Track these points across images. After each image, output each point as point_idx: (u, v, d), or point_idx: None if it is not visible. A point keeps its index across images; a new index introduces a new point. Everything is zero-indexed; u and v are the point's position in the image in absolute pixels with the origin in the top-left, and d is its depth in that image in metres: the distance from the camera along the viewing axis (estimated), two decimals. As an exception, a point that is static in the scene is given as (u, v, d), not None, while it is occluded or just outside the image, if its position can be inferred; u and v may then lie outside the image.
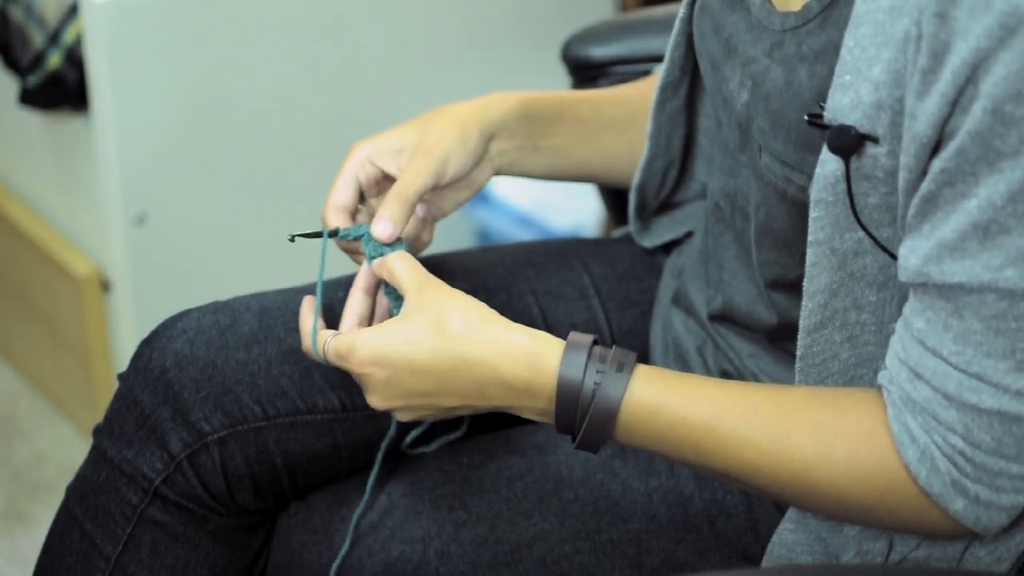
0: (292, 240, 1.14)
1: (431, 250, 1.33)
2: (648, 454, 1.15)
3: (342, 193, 1.16)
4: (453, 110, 1.19)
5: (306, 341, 1.09)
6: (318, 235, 1.13)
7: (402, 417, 1.06)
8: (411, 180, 1.14)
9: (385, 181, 1.18)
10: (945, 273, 0.90)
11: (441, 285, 1.05)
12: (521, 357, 1.01)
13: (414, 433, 1.19)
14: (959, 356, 0.92)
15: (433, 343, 1.02)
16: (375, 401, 1.05)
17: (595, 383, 1.00)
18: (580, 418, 1.01)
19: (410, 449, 1.20)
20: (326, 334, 1.08)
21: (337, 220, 1.15)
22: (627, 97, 1.28)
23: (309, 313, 1.11)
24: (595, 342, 1.02)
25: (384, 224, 1.11)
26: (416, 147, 1.16)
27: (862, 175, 0.94)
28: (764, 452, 0.98)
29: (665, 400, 1.00)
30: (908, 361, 0.95)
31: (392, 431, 1.17)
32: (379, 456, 1.16)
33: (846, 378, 1.02)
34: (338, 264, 1.20)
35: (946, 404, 0.93)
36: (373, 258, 1.11)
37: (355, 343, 1.04)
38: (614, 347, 1.02)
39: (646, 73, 1.43)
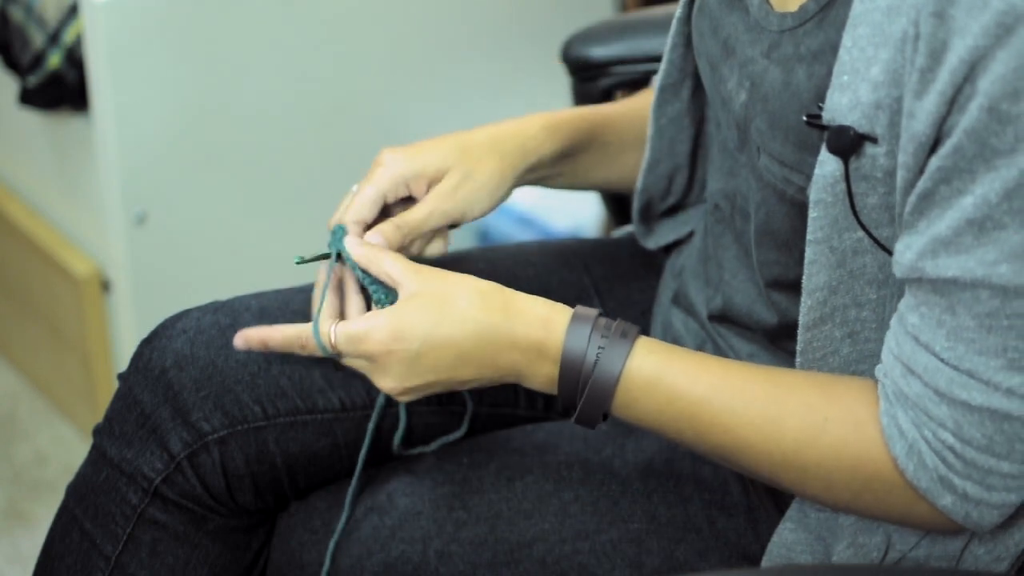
0: (300, 263, 1.12)
1: (431, 250, 1.33)
2: (648, 454, 1.15)
3: (368, 209, 1.14)
4: (502, 151, 1.18)
5: (307, 340, 1.08)
6: (325, 256, 1.12)
7: (404, 398, 1.06)
8: (425, 221, 1.14)
9: (409, 201, 1.17)
10: (939, 267, 0.91)
11: (435, 268, 1.06)
12: (533, 319, 1.03)
13: (398, 436, 1.18)
14: (951, 352, 0.92)
15: (455, 313, 1.03)
16: (389, 383, 1.04)
17: (599, 348, 1.02)
18: (582, 384, 1.02)
19: (409, 449, 1.20)
20: (329, 322, 1.07)
21: (353, 234, 1.12)
22: (647, 113, 1.28)
23: (270, 328, 1.10)
24: (600, 314, 1.04)
25: (375, 237, 1.11)
26: (449, 185, 1.15)
27: (861, 175, 0.95)
28: (757, 429, 0.99)
29: (666, 371, 1.01)
30: (901, 356, 0.95)
31: (371, 427, 1.16)
32: (368, 432, 1.16)
33: (847, 373, 1.02)
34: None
35: (937, 400, 0.93)
36: (338, 253, 1.11)
37: (373, 324, 1.03)
38: (618, 319, 1.03)
39: (647, 74, 1.43)
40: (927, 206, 0.91)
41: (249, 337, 1.10)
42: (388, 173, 1.15)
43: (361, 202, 1.14)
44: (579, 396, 1.03)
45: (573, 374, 1.02)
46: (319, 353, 1.07)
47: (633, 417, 1.03)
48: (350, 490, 1.15)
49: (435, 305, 1.03)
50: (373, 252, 1.08)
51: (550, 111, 1.24)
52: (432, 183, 1.16)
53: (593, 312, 1.04)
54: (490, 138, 1.19)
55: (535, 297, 1.05)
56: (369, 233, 1.12)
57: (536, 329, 1.03)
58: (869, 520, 1.04)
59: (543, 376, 1.04)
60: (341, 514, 1.16)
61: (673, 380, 1.01)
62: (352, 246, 1.10)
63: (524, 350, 1.03)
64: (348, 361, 1.07)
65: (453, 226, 1.18)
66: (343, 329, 1.05)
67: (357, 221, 1.13)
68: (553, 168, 1.23)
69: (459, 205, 1.16)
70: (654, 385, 1.01)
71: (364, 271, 1.09)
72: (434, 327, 1.03)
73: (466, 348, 1.03)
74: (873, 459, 0.96)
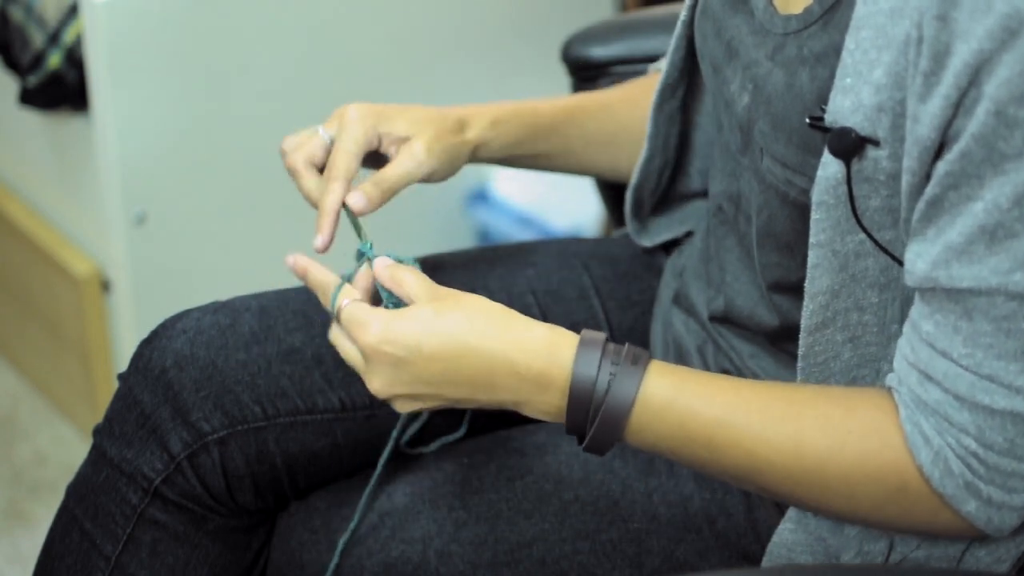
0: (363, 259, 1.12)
1: (431, 250, 1.33)
2: (648, 455, 1.15)
3: (356, 164, 1.16)
4: (459, 130, 1.21)
5: (327, 291, 1.07)
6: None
7: (401, 407, 1.04)
8: (404, 177, 1.17)
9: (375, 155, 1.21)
10: (953, 278, 0.90)
11: (453, 290, 1.05)
12: (536, 347, 1.00)
13: (411, 431, 1.18)
14: (970, 358, 0.92)
15: (447, 327, 1.00)
16: (376, 385, 1.02)
17: (611, 374, 0.99)
18: (593, 413, 1.00)
19: (409, 449, 1.20)
20: (350, 292, 1.06)
21: (339, 191, 1.14)
22: (616, 110, 1.30)
23: (316, 265, 1.10)
24: (608, 339, 1.02)
25: (359, 196, 1.13)
26: (422, 145, 1.18)
27: (863, 178, 0.94)
28: (777, 448, 0.97)
29: (679, 394, 0.99)
30: (918, 364, 0.94)
31: (396, 432, 1.16)
32: (385, 453, 1.16)
33: (848, 378, 1.02)
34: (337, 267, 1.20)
35: (958, 406, 0.93)
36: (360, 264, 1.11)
37: (373, 318, 1.02)
38: (627, 344, 1.01)
39: (643, 73, 1.43)
40: (936, 213, 0.91)
41: (299, 261, 1.11)
42: (362, 129, 1.17)
43: (347, 159, 1.15)
44: (589, 425, 1.00)
45: (583, 403, 1.00)
46: (327, 307, 1.06)
47: (646, 442, 1.01)
48: (366, 491, 1.15)
49: (429, 318, 1.01)
50: (398, 273, 1.06)
51: (505, 103, 1.26)
52: (400, 143, 1.19)
53: (601, 336, 1.01)
54: (447, 114, 1.22)
55: (538, 323, 1.02)
56: (351, 195, 1.13)
57: (537, 359, 1.00)
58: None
59: (548, 406, 1.01)
60: (341, 514, 1.16)
61: (687, 402, 0.99)
62: (380, 267, 1.07)
63: (523, 378, 1.00)
64: (344, 351, 1.06)
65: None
66: (353, 307, 1.04)
67: (347, 177, 1.15)
68: (504, 156, 1.26)
69: (433, 162, 1.18)
70: (668, 408, 0.99)
71: (388, 291, 1.07)
72: (422, 339, 1.00)
73: (455, 366, 1.00)
74: (898, 469, 0.96)
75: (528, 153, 1.27)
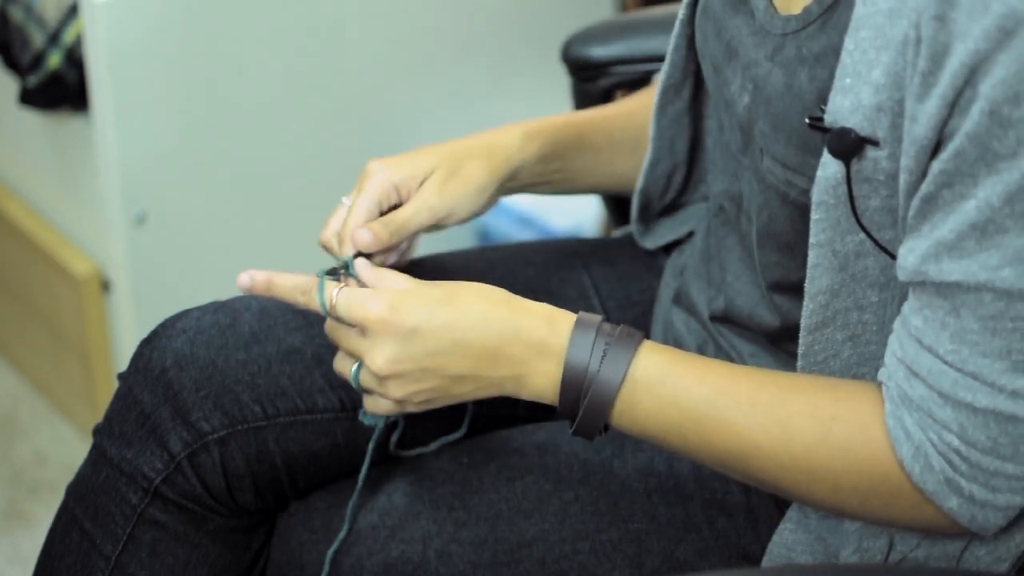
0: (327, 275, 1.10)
1: (431, 250, 1.33)
2: (648, 455, 1.15)
3: (365, 221, 1.14)
4: (486, 153, 1.19)
5: (310, 291, 1.06)
6: (335, 271, 1.11)
7: (396, 389, 1.04)
8: (412, 218, 1.15)
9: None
10: (943, 272, 0.91)
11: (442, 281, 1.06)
12: (538, 320, 1.03)
13: (394, 438, 1.18)
14: (955, 355, 0.92)
15: (458, 303, 1.02)
16: (380, 362, 1.02)
17: (605, 343, 1.01)
18: (586, 385, 1.01)
19: (408, 451, 1.19)
20: (333, 286, 1.06)
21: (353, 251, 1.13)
22: (637, 115, 1.29)
23: (279, 273, 1.09)
24: (604, 320, 1.03)
25: (364, 233, 1.11)
26: (436, 182, 1.16)
27: (863, 178, 0.95)
28: (765, 431, 0.98)
29: (671, 371, 1.01)
30: (905, 359, 0.95)
31: (380, 427, 1.15)
32: (369, 448, 1.16)
33: (848, 376, 1.02)
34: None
35: (941, 402, 0.93)
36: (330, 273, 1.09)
37: (376, 293, 1.03)
38: (622, 324, 1.03)
39: (647, 73, 1.43)
40: (930, 210, 0.91)
41: (255, 277, 1.09)
42: (377, 182, 1.15)
43: (358, 214, 1.14)
44: (582, 398, 1.02)
45: (577, 375, 1.02)
46: (316, 306, 1.06)
47: (636, 422, 1.02)
48: (351, 502, 1.15)
49: (439, 295, 1.03)
50: (379, 274, 1.08)
51: (533, 119, 1.25)
52: (418, 184, 1.17)
53: (597, 317, 1.03)
54: (473, 143, 1.20)
55: (539, 302, 1.05)
56: (357, 231, 1.12)
57: (540, 327, 1.02)
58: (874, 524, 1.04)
59: (544, 375, 1.03)
60: (340, 514, 1.16)
61: (678, 381, 1.01)
62: (361, 268, 1.09)
63: (527, 345, 1.02)
64: (341, 338, 1.06)
65: (437, 228, 1.18)
66: (348, 291, 1.04)
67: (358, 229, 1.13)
68: (538, 174, 1.23)
69: (446, 201, 1.16)
70: (659, 385, 1.01)
71: None
72: (434, 310, 1.02)
73: (467, 337, 1.02)
74: (880, 461, 0.96)
75: (560, 168, 1.25)
